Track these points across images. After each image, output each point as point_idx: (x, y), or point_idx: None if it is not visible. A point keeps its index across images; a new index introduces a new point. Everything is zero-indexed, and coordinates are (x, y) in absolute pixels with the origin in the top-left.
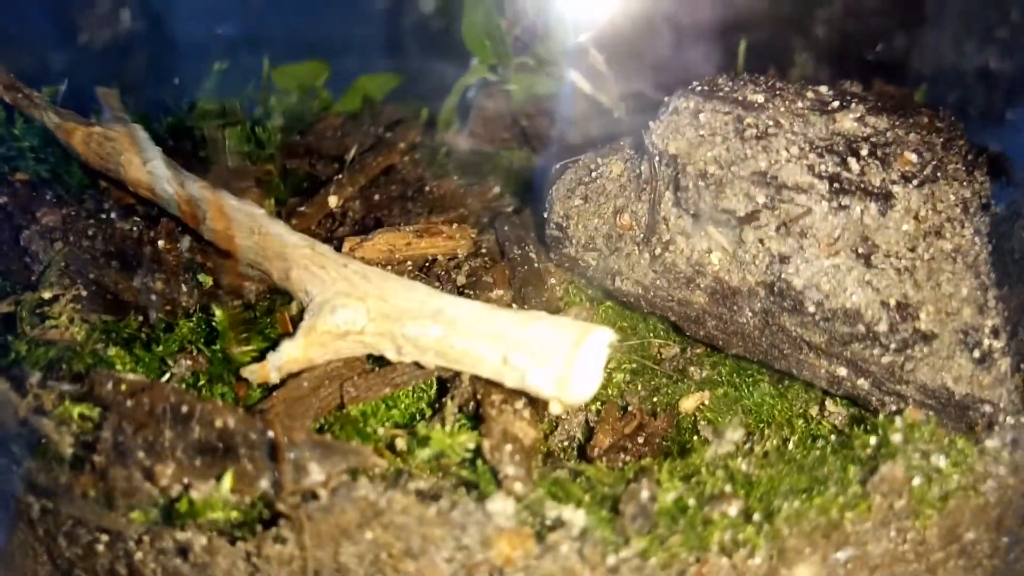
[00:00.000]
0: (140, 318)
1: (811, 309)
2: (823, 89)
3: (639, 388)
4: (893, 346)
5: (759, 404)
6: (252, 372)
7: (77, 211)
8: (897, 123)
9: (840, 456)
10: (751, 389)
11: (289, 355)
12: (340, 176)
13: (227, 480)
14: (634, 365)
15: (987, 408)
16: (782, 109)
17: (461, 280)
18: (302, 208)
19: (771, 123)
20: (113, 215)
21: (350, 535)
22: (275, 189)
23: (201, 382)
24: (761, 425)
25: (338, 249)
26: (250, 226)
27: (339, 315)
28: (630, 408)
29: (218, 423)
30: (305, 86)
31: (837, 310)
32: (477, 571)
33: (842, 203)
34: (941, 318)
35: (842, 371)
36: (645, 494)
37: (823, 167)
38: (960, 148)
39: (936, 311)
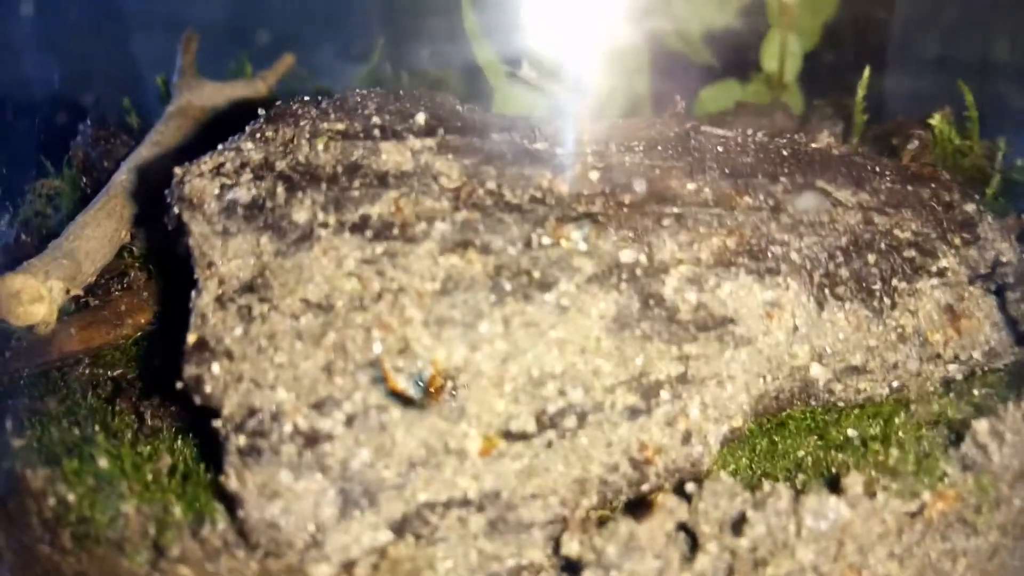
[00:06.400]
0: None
1: None
2: (420, 118)
3: None
4: None
5: None
6: None
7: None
8: (467, 163)
9: None
10: None
11: None
12: None
13: None
14: None
15: None
16: (335, 127)
17: None
18: None
19: (283, 136)
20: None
21: None
22: None
23: None
24: None
25: None
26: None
27: None
28: None
29: None
30: None
31: None
32: None
33: (230, 228)
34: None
35: None
36: None
37: (250, 188)
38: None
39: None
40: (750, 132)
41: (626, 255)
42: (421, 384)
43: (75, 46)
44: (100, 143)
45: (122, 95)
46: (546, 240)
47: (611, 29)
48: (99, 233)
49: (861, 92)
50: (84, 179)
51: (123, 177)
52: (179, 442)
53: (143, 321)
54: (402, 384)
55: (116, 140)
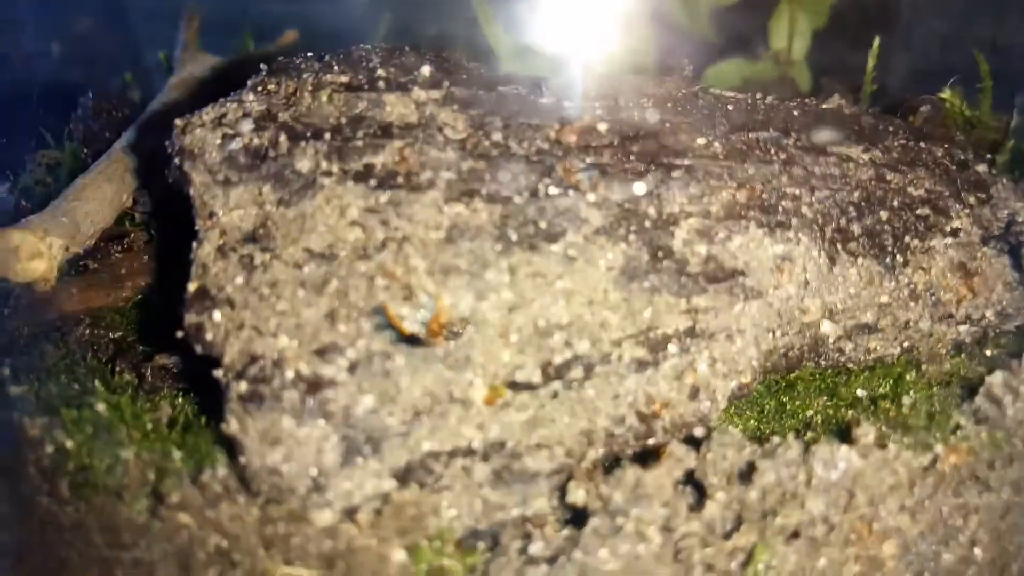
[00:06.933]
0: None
1: None
2: (426, 71)
3: None
4: None
5: None
6: None
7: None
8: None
9: None
10: None
11: None
12: None
13: None
14: None
15: None
16: (339, 79)
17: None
18: None
19: (282, 89)
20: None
21: None
22: None
23: None
24: None
25: None
26: None
27: None
28: None
29: None
30: None
31: None
32: None
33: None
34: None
35: None
36: None
37: (252, 138)
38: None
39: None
40: (759, 95)
41: (635, 207)
42: (425, 322)
43: (78, 20)
44: (101, 116)
45: (124, 70)
46: (553, 190)
47: (616, 4)
48: (99, 195)
49: (872, 62)
50: (85, 150)
51: (123, 143)
52: (180, 400)
53: (143, 284)
54: (406, 324)
55: (118, 113)
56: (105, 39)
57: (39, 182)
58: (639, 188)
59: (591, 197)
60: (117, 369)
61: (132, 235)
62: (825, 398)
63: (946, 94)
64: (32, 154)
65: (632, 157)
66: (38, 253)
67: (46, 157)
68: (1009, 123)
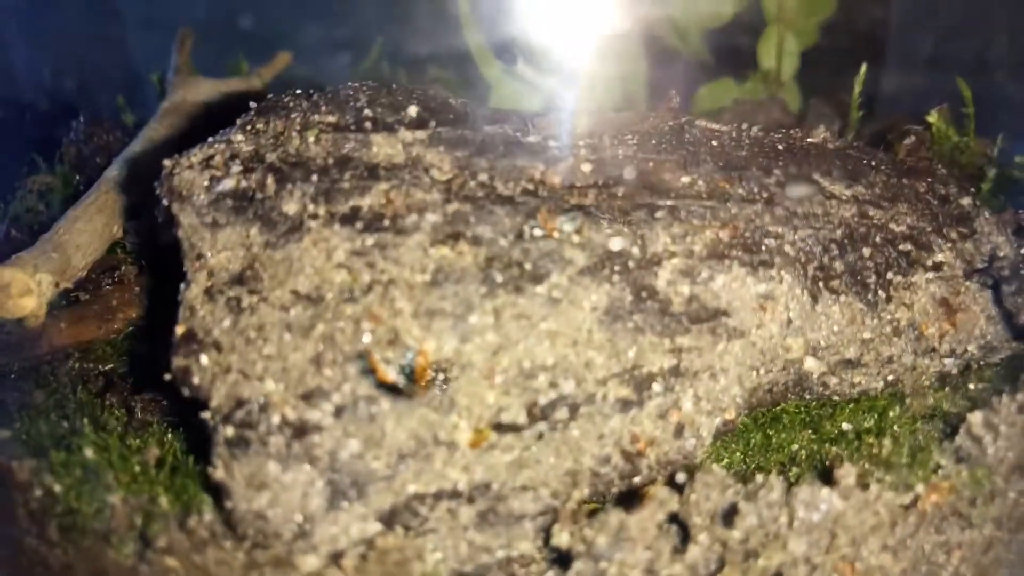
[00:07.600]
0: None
1: None
2: (412, 111)
3: None
4: None
5: None
6: None
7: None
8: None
9: None
10: None
11: None
12: None
13: None
14: None
15: None
16: (326, 119)
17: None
18: None
19: (269, 127)
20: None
21: None
22: None
23: None
24: None
25: None
26: None
27: None
28: None
29: None
30: None
31: None
32: None
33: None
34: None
35: None
36: None
37: (240, 180)
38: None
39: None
40: (745, 127)
41: (618, 247)
42: (408, 374)
43: (70, 42)
44: (93, 139)
45: (118, 93)
46: (538, 232)
47: (608, 26)
48: (90, 227)
49: (857, 88)
50: (77, 175)
51: (115, 172)
52: (169, 436)
53: (134, 316)
54: (391, 375)
55: (110, 136)
56: (99, 57)
57: (30, 210)
58: (616, 243)
59: (574, 239)
60: (107, 403)
61: (123, 267)
62: (810, 432)
63: (933, 117)
64: (23, 179)
65: (616, 198)
66: (28, 290)
67: (37, 182)
68: (993, 149)
